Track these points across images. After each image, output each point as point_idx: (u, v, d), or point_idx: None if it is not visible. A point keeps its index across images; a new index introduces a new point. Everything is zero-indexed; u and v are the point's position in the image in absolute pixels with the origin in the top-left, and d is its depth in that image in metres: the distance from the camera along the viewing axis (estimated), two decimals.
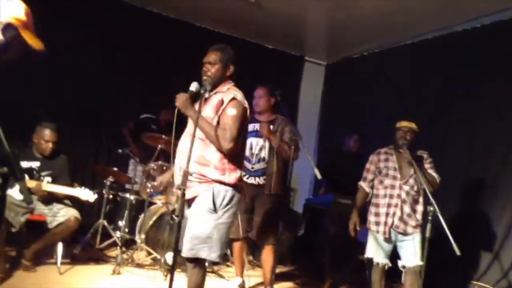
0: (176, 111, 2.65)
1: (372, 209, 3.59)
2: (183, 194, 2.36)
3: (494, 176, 4.33)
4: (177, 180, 2.67)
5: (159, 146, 4.42)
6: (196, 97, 2.67)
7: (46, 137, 3.84)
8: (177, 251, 2.45)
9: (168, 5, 5.79)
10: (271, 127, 3.83)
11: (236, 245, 3.93)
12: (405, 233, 3.42)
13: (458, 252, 2.83)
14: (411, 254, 3.36)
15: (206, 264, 2.74)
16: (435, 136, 4.83)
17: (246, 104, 2.75)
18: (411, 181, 3.46)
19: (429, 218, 3.04)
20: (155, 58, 5.81)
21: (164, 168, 4.31)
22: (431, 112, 5.05)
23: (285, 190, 3.26)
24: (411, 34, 5.43)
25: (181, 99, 2.61)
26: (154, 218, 4.31)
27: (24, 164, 3.78)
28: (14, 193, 3.48)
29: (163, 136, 4.33)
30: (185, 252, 2.57)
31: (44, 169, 3.86)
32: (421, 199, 3.48)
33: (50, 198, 3.78)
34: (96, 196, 3.84)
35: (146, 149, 4.80)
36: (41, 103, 5.00)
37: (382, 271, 3.49)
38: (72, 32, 5.10)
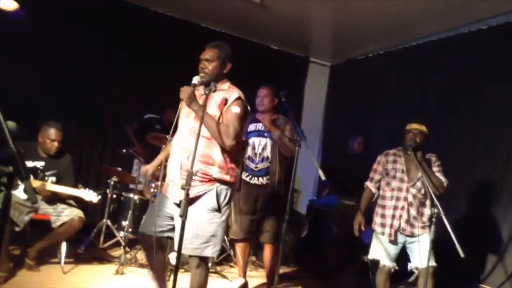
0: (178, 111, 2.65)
1: (378, 210, 3.57)
2: (187, 194, 2.34)
3: (498, 178, 4.33)
4: (173, 175, 2.66)
5: (164, 146, 4.41)
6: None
7: (51, 136, 3.83)
8: (180, 252, 2.44)
9: (172, 5, 5.78)
10: None
11: (239, 246, 3.93)
12: (412, 235, 3.40)
13: (462, 254, 2.81)
14: (422, 255, 3.30)
15: (209, 264, 2.74)
16: (438, 138, 4.81)
17: (247, 105, 2.78)
18: (419, 184, 3.43)
19: (433, 220, 3.02)
20: (159, 58, 5.82)
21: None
22: (435, 113, 5.03)
23: (289, 191, 3.25)
24: (416, 35, 5.41)
25: (186, 92, 2.57)
26: None
27: (29, 163, 3.78)
28: (18, 192, 3.49)
29: (168, 136, 4.33)
30: (190, 251, 2.56)
31: (49, 168, 3.86)
32: (428, 202, 3.45)
33: (54, 198, 3.78)
34: (99, 197, 3.85)
35: (151, 149, 4.80)
36: (45, 103, 5.03)
37: (387, 273, 3.47)
38: (73, 32, 5.12)
